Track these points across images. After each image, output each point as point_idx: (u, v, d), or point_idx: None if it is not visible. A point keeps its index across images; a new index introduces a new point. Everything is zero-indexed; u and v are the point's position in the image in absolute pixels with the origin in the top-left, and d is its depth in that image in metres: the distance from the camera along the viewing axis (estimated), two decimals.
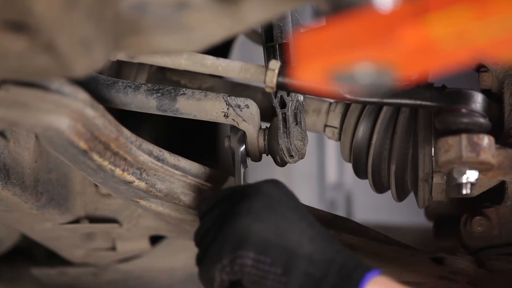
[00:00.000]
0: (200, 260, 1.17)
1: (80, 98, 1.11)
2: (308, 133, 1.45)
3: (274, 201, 1.16)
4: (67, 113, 1.10)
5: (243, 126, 1.35)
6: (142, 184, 1.30)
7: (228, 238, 1.13)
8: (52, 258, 1.92)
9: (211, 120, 1.37)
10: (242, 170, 1.37)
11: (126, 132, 1.24)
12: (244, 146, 1.38)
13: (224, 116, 1.35)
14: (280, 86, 1.26)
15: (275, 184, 1.20)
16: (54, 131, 1.11)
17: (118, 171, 1.25)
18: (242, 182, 1.36)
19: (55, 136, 1.13)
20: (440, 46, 0.75)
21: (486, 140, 1.24)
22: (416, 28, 0.75)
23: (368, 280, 1.08)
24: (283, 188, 1.21)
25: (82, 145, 1.15)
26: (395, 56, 0.78)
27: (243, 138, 1.38)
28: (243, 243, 1.11)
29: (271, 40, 1.40)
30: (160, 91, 1.36)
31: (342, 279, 1.08)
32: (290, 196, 1.20)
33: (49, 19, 0.82)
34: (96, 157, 1.19)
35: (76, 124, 1.12)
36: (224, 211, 1.18)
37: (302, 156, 1.41)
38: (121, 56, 1.33)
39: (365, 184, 1.55)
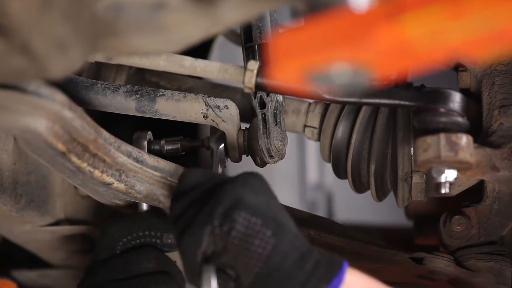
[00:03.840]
0: (184, 228, 1.14)
1: (58, 100, 1.10)
2: (288, 133, 1.45)
3: (265, 185, 1.16)
4: (45, 115, 1.09)
5: (222, 126, 1.35)
6: (121, 186, 1.30)
7: (220, 202, 1.11)
8: (33, 260, 1.91)
9: (190, 121, 1.37)
10: (220, 169, 1.37)
11: (105, 133, 1.24)
12: (222, 145, 1.38)
13: (204, 117, 1.35)
14: (259, 87, 1.26)
15: (261, 175, 1.20)
16: (32, 133, 1.10)
17: (97, 173, 1.24)
18: None
19: (33, 138, 1.13)
20: (415, 46, 0.76)
21: (464, 139, 1.25)
22: (391, 28, 0.75)
23: (347, 265, 1.09)
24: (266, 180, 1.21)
25: (60, 147, 1.15)
26: (370, 56, 0.78)
27: (221, 137, 1.38)
28: (236, 205, 1.10)
29: (250, 41, 1.40)
30: (139, 92, 1.35)
31: (325, 258, 1.09)
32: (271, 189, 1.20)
33: (25, 21, 0.82)
34: (74, 158, 1.19)
35: (54, 126, 1.11)
36: (215, 184, 1.17)
37: (282, 157, 1.41)
38: (99, 58, 1.33)
39: (346, 184, 1.55)
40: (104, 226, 1.38)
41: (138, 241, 1.36)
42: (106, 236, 1.37)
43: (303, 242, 1.10)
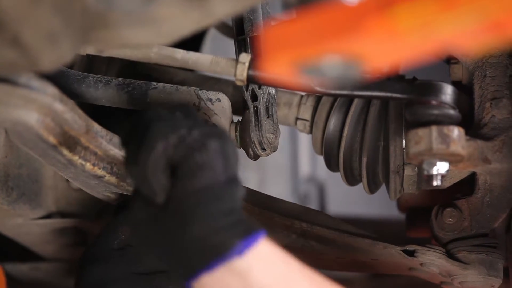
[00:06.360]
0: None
1: (49, 93, 1.10)
2: (280, 126, 1.45)
3: None
4: (36, 108, 1.09)
5: (214, 119, 1.35)
6: (113, 179, 1.29)
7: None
8: (25, 254, 1.91)
9: None
10: None
11: (96, 126, 1.24)
12: None
13: (196, 110, 1.35)
14: (250, 79, 1.26)
15: None
16: (23, 126, 1.11)
17: (88, 166, 1.24)
18: None
19: (24, 131, 1.13)
20: (406, 38, 0.76)
21: (456, 132, 1.25)
22: (382, 21, 0.75)
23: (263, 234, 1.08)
24: None
25: (52, 139, 1.15)
26: (362, 48, 0.78)
27: None
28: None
29: (242, 33, 1.40)
30: (131, 85, 1.35)
31: (247, 220, 1.08)
32: None
33: (15, 13, 0.82)
34: (66, 151, 1.19)
35: (45, 119, 1.12)
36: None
37: (274, 149, 1.41)
38: (91, 50, 1.32)
39: (338, 176, 1.55)
40: (122, 217, 1.34)
41: None
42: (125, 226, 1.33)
43: (239, 202, 1.10)
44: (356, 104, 1.47)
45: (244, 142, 1.39)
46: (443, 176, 1.28)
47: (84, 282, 1.31)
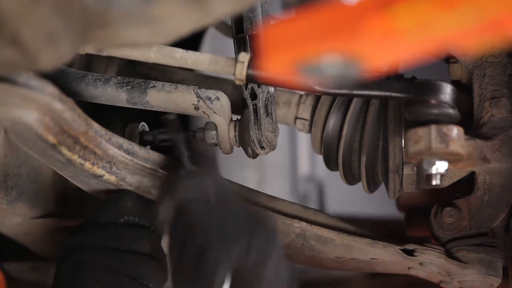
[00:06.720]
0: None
1: (48, 92, 1.10)
2: (280, 125, 1.45)
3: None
4: (35, 107, 1.09)
5: (213, 118, 1.35)
6: (112, 178, 1.29)
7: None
8: (24, 253, 1.91)
9: (181, 113, 1.37)
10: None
11: (96, 125, 1.23)
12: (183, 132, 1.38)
13: (195, 108, 1.35)
14: (250, 79, 1.26)
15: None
16: (22, 125, 1.10)
17: (87, 165, 1.24)
18: None
19: (23, 130, 1.12)
20: (406, 38, 0.76)
21: (455, 131, 1.25)
22: (382, 20, 0.75)
23: None
24: None
25: (51, 139, 1.15)
26: (361, 47, 0.78)
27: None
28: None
29: (241, 32, 1.40)
30: (130, 84, 1.35)
31: None
32: None
33: (15, 13, 0.82)
34: (65, 151, 1.19)
35: (45, 118, 1.11)
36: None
37: (273, 148, 1.41)
38: (90, 50, 1.32)
39: (338, 176, 1.55)
40: (121, 194, 1.35)
41: (142, 222, 1.34)
42: (117, 204, 1.33)
43: None
44: (355, 104, 1.47)
45: (243, 141, 1.39)
46: (442, 175, 1.28)
47: (58, 247, 1.32)
